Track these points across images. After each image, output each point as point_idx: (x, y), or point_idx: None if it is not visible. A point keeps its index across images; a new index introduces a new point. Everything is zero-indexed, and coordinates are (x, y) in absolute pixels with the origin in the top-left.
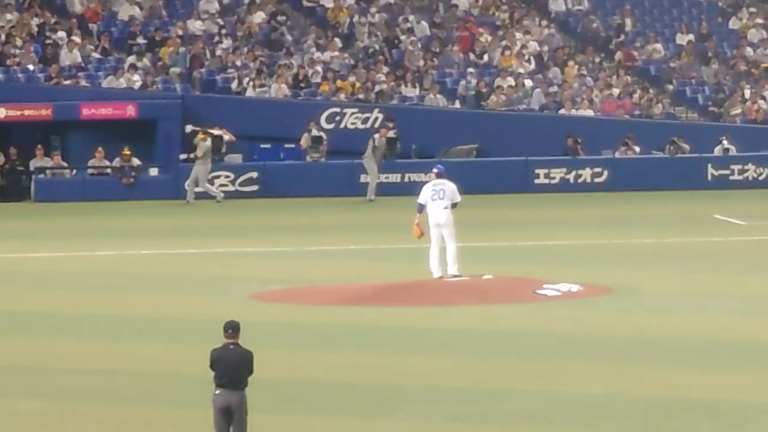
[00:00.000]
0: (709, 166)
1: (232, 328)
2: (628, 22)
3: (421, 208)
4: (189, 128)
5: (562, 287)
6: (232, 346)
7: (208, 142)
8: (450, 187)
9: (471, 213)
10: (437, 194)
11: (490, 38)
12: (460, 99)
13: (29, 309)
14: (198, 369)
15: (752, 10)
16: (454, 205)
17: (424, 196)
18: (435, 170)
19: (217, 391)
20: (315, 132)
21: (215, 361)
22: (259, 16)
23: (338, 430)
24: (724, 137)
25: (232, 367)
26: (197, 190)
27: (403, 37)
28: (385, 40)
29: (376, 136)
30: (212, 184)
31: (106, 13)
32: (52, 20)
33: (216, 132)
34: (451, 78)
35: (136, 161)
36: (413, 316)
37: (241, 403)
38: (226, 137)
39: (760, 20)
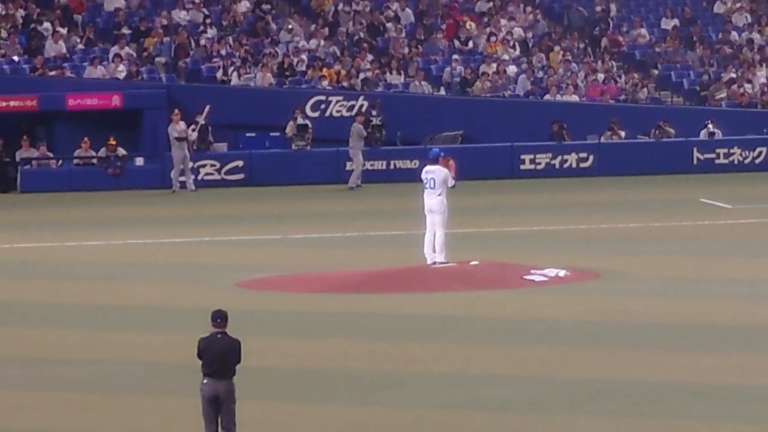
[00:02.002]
0: (695, 150)
1: (220, 317)
2: (613, 7)
3: None
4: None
5: (549, 272)
6: (219, 335)
7: (178, 125)
8: (439, 175)
9: (457, 199)
10: (428, 183)
11: (474, 25)
12: (445, 86)
13: (16, 299)
14: (186, 358)
15: None
16: (452, 186)
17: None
18: (430, 155)
19: (205, 380)
20: (300, 120)
21: (203, 350)
22: (243, 5)
23: (327, 418)
24: (709, 121)
25: (219, 356)
26: (181, 178)
27: (388, 25)
28: (370, 27)
29: (354, 123)
30: (191, 172)
31: (90, 4)
32: (37, 11)
33: (201, 121)
34: (436, 65)
35: (121, 151)
36: (400, 303)
37: (229, 391)
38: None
39: (744, 4)
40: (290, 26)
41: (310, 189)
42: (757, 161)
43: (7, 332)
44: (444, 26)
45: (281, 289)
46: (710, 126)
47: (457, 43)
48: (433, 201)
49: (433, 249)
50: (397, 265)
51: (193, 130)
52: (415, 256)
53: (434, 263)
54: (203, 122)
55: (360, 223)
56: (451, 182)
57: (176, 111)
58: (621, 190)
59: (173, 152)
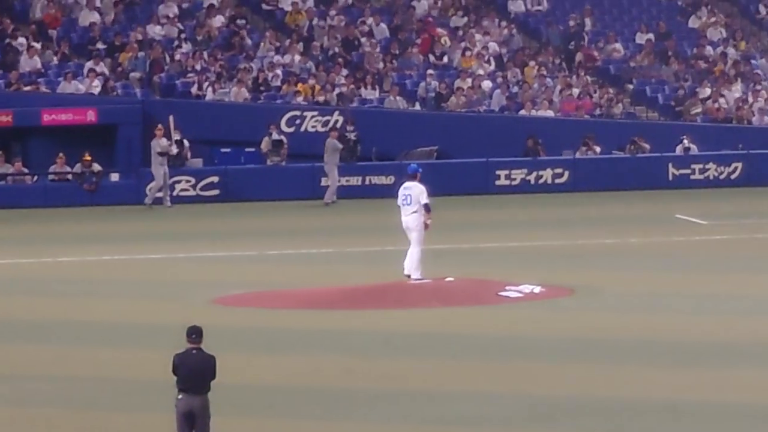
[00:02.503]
0: (670, 165)
1: (195, 333)
2: (588, 22)
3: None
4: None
5: (524, 288)
6: (194, 351)
7: (161, 141)
8: (416, 191)
9: (432, 215)
10: (405, 199)
11: (449, 40)
12: (420, 101)
13: None
14: (161, 374)
15: (711, 8)
16: (425, 206)
17: (398, 198)
18: (408, 170)
19: (180, 396)
20: (275, 135)
21: (178, 365)
22: (218, 20)
23: None
24: (684, 136)
25: (194, 372)
26: (158, 195)
27: (362, 39)
28: (344, 42)
29: (329, 138)
30: (168, 189)
31: (65, 19)
32: (12, 26)
33: (177, 137)
34: (410, 80)
35: (97, 167)
36: (376, 319)
37: (203, 407)
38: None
39: (719, 19)
40: (266, 44)
41: (286, 205)
42: (733, 177)
43: None
44: (419, 41)
45: (257, 306)
46: (686, 141)
47: (432, 57)
48: (410, 218)
49: None
50: (373, 282)
51: (170, 145)
52: (391, 272)
53: (409, 277)
54: (179, 137)
55: (336, 239)
56: (424, 199)
57: (159, 126)
58: (596, 206)
59: (154, 167)
